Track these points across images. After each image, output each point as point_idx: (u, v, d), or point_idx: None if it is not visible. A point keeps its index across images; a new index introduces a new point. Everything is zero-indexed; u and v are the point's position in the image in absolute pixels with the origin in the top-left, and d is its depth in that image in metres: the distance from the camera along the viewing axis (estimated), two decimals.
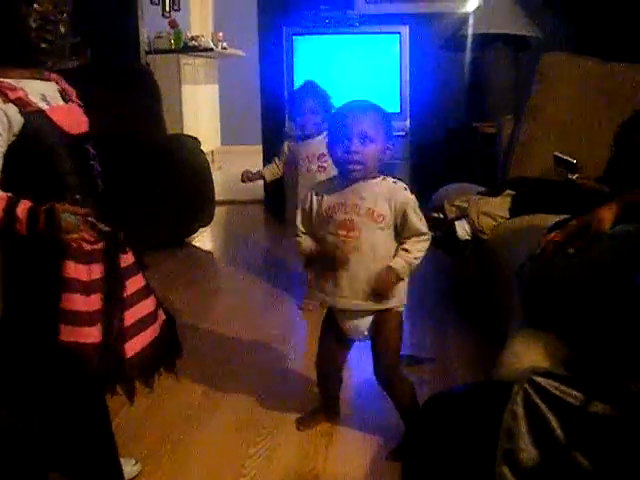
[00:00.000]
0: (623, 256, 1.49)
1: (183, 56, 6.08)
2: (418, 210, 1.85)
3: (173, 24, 6.41)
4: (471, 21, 4.75)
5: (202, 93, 6.63)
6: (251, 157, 5.74)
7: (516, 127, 3.36)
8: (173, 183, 4.01)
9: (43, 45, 1.55)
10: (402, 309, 1.93)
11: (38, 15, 1.52)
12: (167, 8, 6.68)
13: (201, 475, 1.91)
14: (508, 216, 2.71)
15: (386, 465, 1.91)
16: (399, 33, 4.75)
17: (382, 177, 1.87)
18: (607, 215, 1.66)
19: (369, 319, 1.91)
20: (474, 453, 1.11)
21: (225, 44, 6.88)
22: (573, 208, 1.97)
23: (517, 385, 1.09)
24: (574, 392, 1.08)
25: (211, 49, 6.58)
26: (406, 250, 1.83)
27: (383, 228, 1.83)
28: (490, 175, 3.68)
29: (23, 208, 1.44)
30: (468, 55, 4.88)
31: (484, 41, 4.72)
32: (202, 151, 4.51)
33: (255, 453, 1.99)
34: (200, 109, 6.53)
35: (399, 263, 1.82)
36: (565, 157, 2.76)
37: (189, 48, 6.28)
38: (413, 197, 1.85)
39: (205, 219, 4.60)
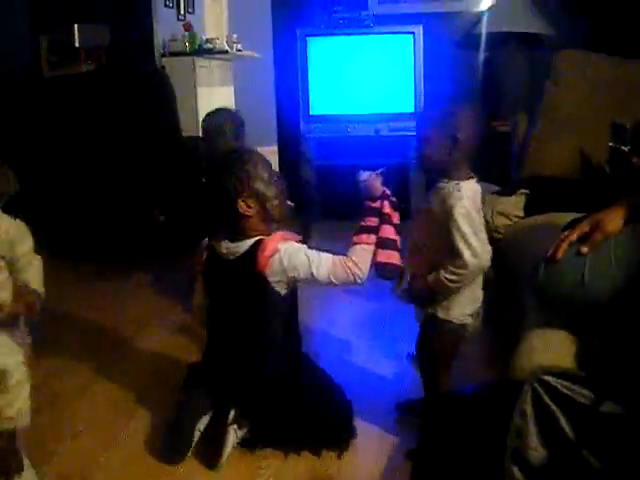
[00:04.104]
0: (631, 257, 1.48)
1: (198, 58, 6.09)
2: (465, 227, 1.85)
3: (188, 27, 6.42)
4: (485, 20, 4.74)
5: (217, 95, 6.64)
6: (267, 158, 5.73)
7: (530, 125, 3.34)
8: (189, 185, 4.03)
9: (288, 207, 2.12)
10: (456, 323, 1.97)
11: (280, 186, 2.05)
12: (182, 11, 6.69)
13: (218, 478, 1.93)
14: (523, 215, 2.70)
15: (401, 466, 1.90)
16: (413, 33, 4.75)
17: (455, 181, 1.91)
18: (619, 213, 1.66)
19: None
20: (484, 452, 1.12)
21: (240, 46, 6.89)
22: (589, 206, 1.97)
23: (527, 384, 1.09)
24: (585, 391, 1.08)
25: (226, 51, 6.59)
26: (444, 268, 1.87)
27: (439, 231, 1.88)
28: (505, 174, 3.67)
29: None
30: (482, 54, 4.87)
31: (498, 40, 4.71)
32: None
33: (271, 454, 2.00)
34: None
35: (432, 276, 1.90)
36: (621, 123, 2.71)
37: (204, 51, 6.29)
38: (464, 208, 1.86)
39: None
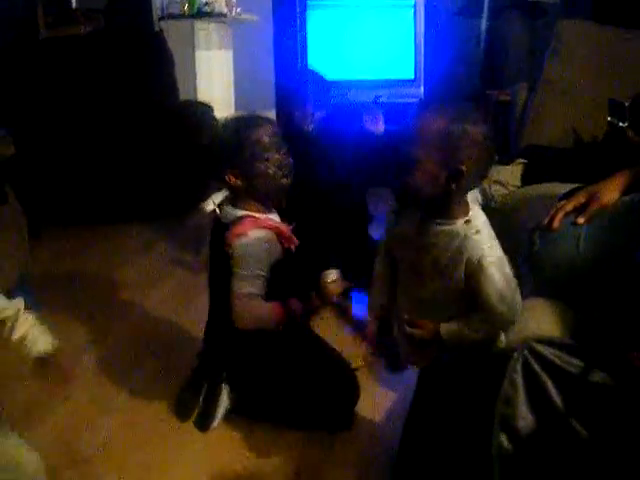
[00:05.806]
0: (626, 229, 1.48)
1: (197, 21, 6.02)
2: (500, 280, 1.43)
3: None
4: None
5: (216, 59, 6.58)
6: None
7: (530, 95, 3.32)
8: (185, 149, 4.01)
9: (283, 187, 1.92)
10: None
11: (273, 165, 1.87)
12: None
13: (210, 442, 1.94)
14: (520, 184, 2.69)
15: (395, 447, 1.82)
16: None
17: (462, 219, 1.50)
18: (616, 185, 1.66)
19: None
20: (473, 419, 1.13)
21: (239, 9, 6.82)
22: (586, 177, 1.97)
23: (517, 352, 1.09)
24: (574, 360, 1.08)
25: (225, 14, 6.51)
26: (465, 322, 1.48)
27: (450, 283, 1.48)
28: (503, 143, 3.65)
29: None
30: (484, 22, 4.82)
31: (500, 8, 4.66)
32: (215, 117, 4.49)
33: (261, 428, 1.99)
34: (214, 75, 6.48)
35: (446, 328, 1.48)
36: (618, 100, 2.68)
37: (203, 13, 6.22)
38: (493, 257, 1.44)
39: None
